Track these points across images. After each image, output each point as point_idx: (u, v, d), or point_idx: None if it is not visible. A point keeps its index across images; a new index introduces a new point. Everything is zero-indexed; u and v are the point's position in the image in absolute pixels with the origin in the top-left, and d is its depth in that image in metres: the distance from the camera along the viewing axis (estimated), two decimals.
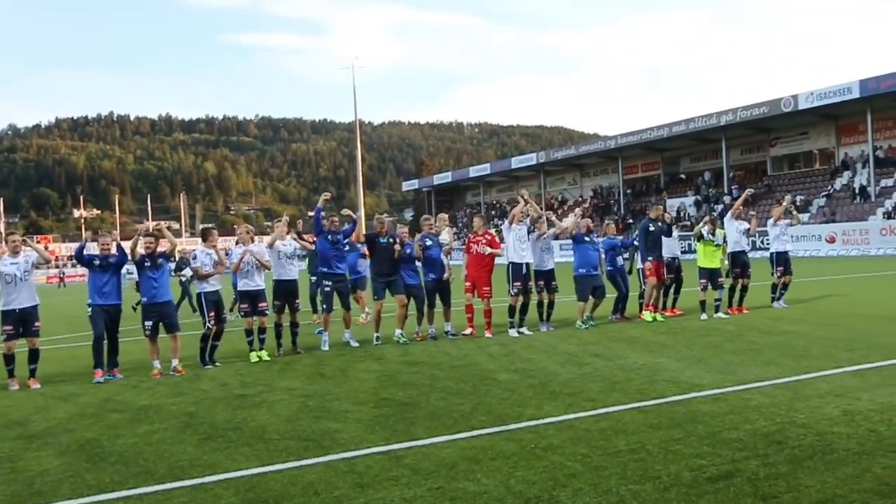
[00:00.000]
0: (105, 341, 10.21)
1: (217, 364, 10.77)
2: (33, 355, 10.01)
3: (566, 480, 4.81)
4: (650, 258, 13.59)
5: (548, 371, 8.88)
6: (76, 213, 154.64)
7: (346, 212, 12.88)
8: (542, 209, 15.92)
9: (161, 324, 10.36)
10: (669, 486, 4.61)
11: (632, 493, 4.51)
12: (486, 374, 8.88)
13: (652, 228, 13.73)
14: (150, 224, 12.48)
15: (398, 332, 12.24)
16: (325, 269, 12.02)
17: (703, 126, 49.28)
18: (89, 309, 10.38)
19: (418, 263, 12.61)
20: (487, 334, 12.36)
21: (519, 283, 12.32)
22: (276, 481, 5.15)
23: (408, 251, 12.39)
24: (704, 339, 10.90)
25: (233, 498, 4.84)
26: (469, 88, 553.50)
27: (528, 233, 12.70)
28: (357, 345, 11.90)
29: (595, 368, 8.89)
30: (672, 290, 14.43)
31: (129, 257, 10.50)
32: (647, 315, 13.40)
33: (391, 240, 12.26)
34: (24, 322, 9.98)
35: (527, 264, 12.52)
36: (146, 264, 10.39)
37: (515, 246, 12.46)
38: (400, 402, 7.55)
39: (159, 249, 10.59)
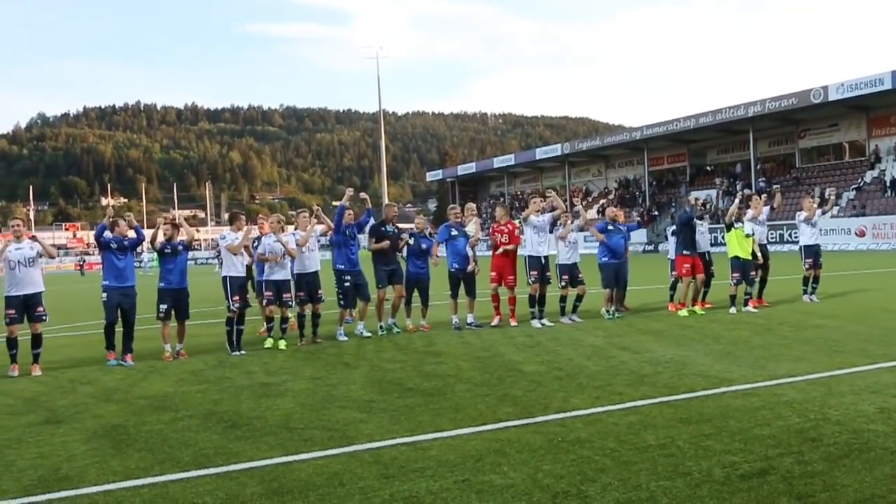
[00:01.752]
0: (121, 326, 10.44)
1: (244, 352, 10.82)
2: (36, 340, 10.07)
3: (595, 475, 4.73)
4: (686, 253, 13.30)
5: (574, 363, 8.78)
6: (104, 202, 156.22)
7: (362, 195, 12.96)
8: (574, 206, 15.81)
9: (174, 309, 10.62)
10: (701, 482, 4.51)
11: (662, 490, 4.41)
12: (512, 366, 8.80)
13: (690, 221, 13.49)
14: (175, 213, 12.54)
15: (391, 321, 12.41)
16: (342, 266, 11.98)
17: (730, 117, 48.70)
18: (104, 293, 10.43)
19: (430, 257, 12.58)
20: (512, 322, 12.33)
21: (536, 273, 12.29)
22: (300, 471, 5.11)
23: (423, 246, 12.46)
24: (733, 332, 10.73)
25: (257, 487, 4.80)
26: (493, 79, 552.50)
27: (552, 227, 12.70)
28: (369, 334, 11.89)
29: (622, 361, 8.78)
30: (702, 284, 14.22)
31: (151, 245, 10.73)
32: (682, 313, 13.07)
33: (397, 228, 12.38)
34: (27, 307, 10.04)
35: (545, 257, 12.50)
36: (166, 251, 10.62)
37: (532, 240, 12.46)
38: (425, 393, 7.49)
39: (179, 238, 10.82)
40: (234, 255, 11.00)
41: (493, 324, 12.41)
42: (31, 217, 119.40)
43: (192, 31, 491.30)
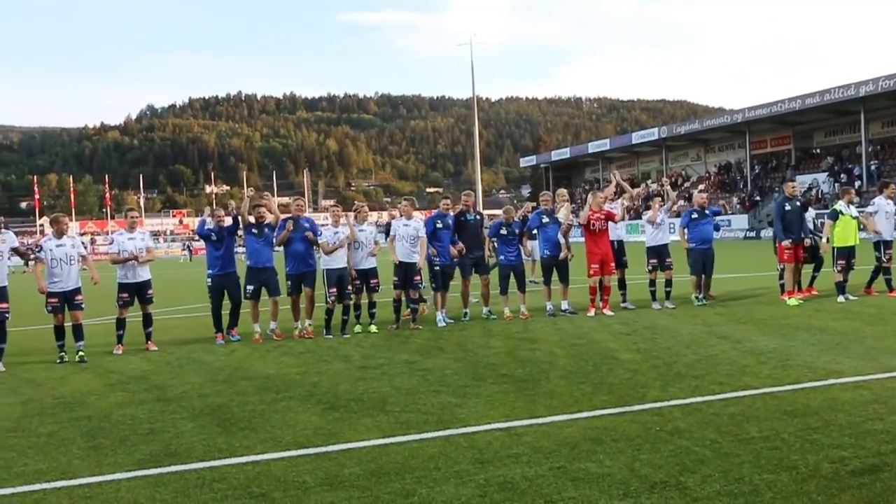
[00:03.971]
0: (226, 308, 11.10)
1: (347, 335, 11.16)
2: (147, 319, 10.88)
3: (694, 466, 4.62)
4: (787, 239, 12.83)
5: (672, 352, 8.59)
6: (207, 189, 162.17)
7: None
8: (663, 186, 15.56)
9: (263, 287, 11.10)
10: (808, 477, 4.34)
11: (766, 483, 4.27)
12: (608, 354, 8.68)
13: (788, 207, 12.98)
14: (274, 200, 12.84)
15: (485, 310, 12.46)
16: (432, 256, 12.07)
17: (839, 98, 46.33)
18: (208, 280, 11.23)
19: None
20: (609, 312, 12.15)
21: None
22: (397, 453, 5.19)
23: (517, 230, 12.46)
24: (842, 322, 10.27)
25: (355, 468, 4.90)
26: (588, 62, 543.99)
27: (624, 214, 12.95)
28: (444, 324, 11.85)
29: (722, 350, 8.53)
30: (812, 269, 13.69)
31: (241, 222, 11.20)
32: (791, 301, 12.58)
33: (478, 216, 12.38)
34: (138, 292, 10.73)
35: (617, 241, 12.84)
36: (253, 231, 11.08)
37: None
38: (519, 379, 7.48)
39: (268, 221, 11.26)
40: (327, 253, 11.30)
41: (589, 314, 12.20)
42: (141, 204, 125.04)
43: (289, 22, 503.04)
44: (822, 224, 14.43)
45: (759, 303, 12.77)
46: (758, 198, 52.36)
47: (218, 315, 11.24)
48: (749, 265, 21.13)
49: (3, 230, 9.92)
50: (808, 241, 13.01)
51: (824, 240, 13.31)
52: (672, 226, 13.38)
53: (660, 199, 13.81)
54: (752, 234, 47.82)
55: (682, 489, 4.25)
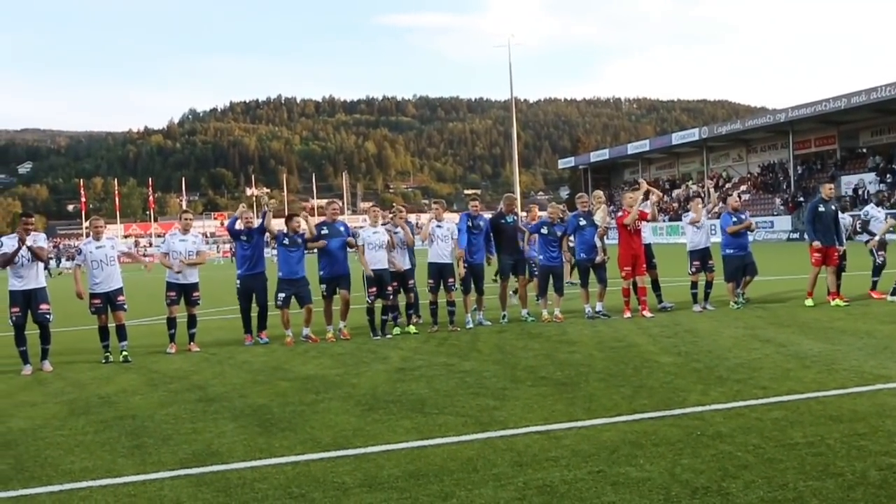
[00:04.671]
0: (254, 310, 11.25)
1: (388, 335, 11.27)
2: (191, 321, 11.00)
3: (737, 472, 4.55)
4: (819, 242, 12.59)
5: (713, 355, 8.47)
6: (248, 192, 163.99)
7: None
8: (702, 190, 15.38)
9: (294, 297, 11.21)
10: (854, 484, 4.24)
11: (811, 490, 4.18)
12: (647, 357, 8.60)
13: (822, 209, 12.74)
14: (314, 203, 12.96)
15: (524, 311, 12.39)
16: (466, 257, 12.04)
17: (887, 96, 45.25)
18: (237, 281, 11.33)
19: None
20: (647, 314, 12.04)
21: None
22: (435, 455, 5.20)
23: (559, 232, 12.39)
24: (889, 326, 10.03)
25: (394, 469, 4.92)
26: (627, 63, 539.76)
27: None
28: (471, 326, 11.86)
29: (765, 354, 8.40)
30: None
31: (268, 233, 11.38)
32: (807, 302, 12.46)
33: (516, 218, 12.38)
34: (185, 293, 10.89)
35: (646, 244, 12.79)
36: (285, 243, 11.13)
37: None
38: (558, 382, 7.44)
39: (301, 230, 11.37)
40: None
41: (625, 316, 12.10)
42: (184, 207, 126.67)
43: (328, 26, 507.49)
44: (860, 224, 14.20)
45: (802, 306, 12.53)
46: (801, 199, 51.40)
47: (247, 317, 11.35)
48: (792, 267, 20.77)
49: (34, 232, 10.05)
50: (840, 248, 12.77)
51: (876, 239, 13.11)
52: (713, 227, 13.19)
53: (700, 199, 13.64)
54: (796, 235, 46.98)
55: (724, 495, 4.19)
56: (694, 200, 13.58)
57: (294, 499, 4.48)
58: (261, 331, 11.33)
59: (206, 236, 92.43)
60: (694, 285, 12.70)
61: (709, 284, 12.71)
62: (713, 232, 13.20)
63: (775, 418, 5.69)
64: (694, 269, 12.68)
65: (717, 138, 63.41)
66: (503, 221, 12.32)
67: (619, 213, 12.79)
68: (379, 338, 11.14)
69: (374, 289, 11.29)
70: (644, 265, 12.38)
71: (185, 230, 11.09)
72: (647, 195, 12.63)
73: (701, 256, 12.70)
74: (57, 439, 6.12)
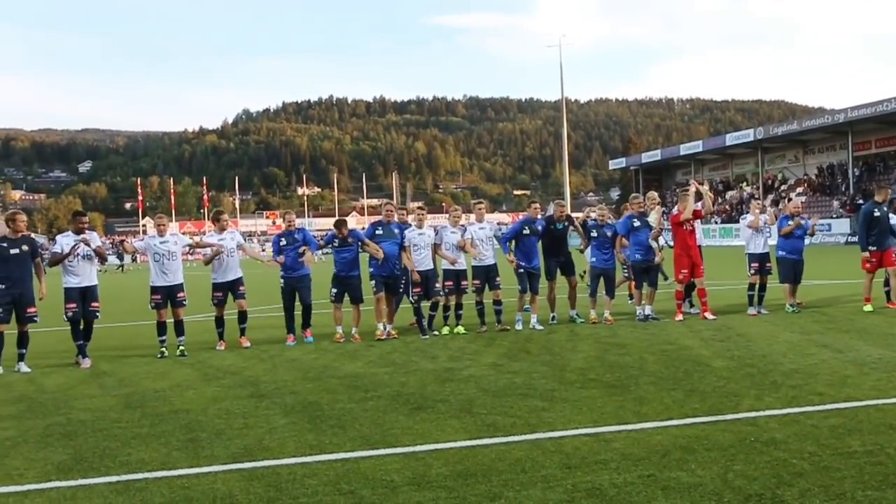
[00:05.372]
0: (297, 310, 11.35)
1: (436, 333, 11.45)
2: (242, 316, 11.19)
3: (791, 479, 4.45)
4: (871, 247, 12.28)
5: (767, 360, 8.31)
6: (300, 191, 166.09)
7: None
8: (756, 191, 15.04)
9: (347, 294, 11.33)
10: None
11: (870, 501, 4.07)
12: (699, 360, 8.46)
13: (877, 213, 12.40)
14: (364, 202, 13.08)
15: (572, 312, 12.33)
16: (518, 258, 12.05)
17: None
18: (281, 281, 11.41)
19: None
20: (709, 316, 11.85)
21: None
22: (483, 455, 5.19)
23: (608, 234, 12.36)
24: None
25: (442, 468, 4.93)
26: (680, 62, 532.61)
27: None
28: (521, 327, 11.79)
29: (821, 360, 8.20)
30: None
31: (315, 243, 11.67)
32: (866, 308, 12.16)
33: (567, 224, 12.38)
34: (232, 289, 11.10)
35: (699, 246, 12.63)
36: (335, 245, 11.32)
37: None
38: (608, 384, 7.37)
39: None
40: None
41: (678, 318, 11.93)
42: (237, 206, 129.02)
43: (378, 27, 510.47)
44: None
45: (861, 310, 12.20)
46: (860, 201, 50.04)
47: (290, 315, 11.40)
48: (850, 271, 20.19)
49: (87, 231, 10.33)
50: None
51: None
52: (770, 230, 12.88)
53: (758, 202, 13.35)
54: (854, 239, 45.77)
55: (778, 502, 4.11)
56: (752, 203, 13.35)
57: (343, 495, 4.52)
58: (305, 328, 11.43)
59: (258, 235, 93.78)
60: (751, 287, 12.50)
61: (762, 287, 12.51)
62: (769, 233, 12.88)
63: (832, 426, 5.55)
64: (753, 271, 12.51)
65: (772, 139, 62.06)
66: (553, 227, 12.27)
67: (674, 211, 12.59)
68: (427, 337, 11.19)
69: (419, 289, 11.37)
70: (701, 266, 12.20)
71: (222, 230, 11.29)
72: (699, 196, 12.43)
73: (759, 259, 12.54)
74: (114, 431, 6.28)
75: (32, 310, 9.79)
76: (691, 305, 12.86)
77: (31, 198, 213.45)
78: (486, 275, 11.86)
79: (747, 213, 12.95)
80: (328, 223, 13.24)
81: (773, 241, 12.85)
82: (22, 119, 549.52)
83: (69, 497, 4.70)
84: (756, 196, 41.84)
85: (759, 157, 64.66)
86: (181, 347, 10.42)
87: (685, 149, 73.42)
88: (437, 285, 11.69)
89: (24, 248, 9.77)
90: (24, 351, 9.73)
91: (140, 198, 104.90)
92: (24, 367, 9.59)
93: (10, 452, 5.75)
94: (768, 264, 12.61)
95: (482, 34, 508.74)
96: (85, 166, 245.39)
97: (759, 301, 12.47)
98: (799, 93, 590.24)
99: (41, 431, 6.37)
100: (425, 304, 11.62)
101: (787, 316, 11.99)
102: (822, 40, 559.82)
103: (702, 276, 12.20)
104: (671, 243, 12.73)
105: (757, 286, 12.47)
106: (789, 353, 8.67)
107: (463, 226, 12.17)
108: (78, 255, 10.00)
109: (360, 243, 11.35)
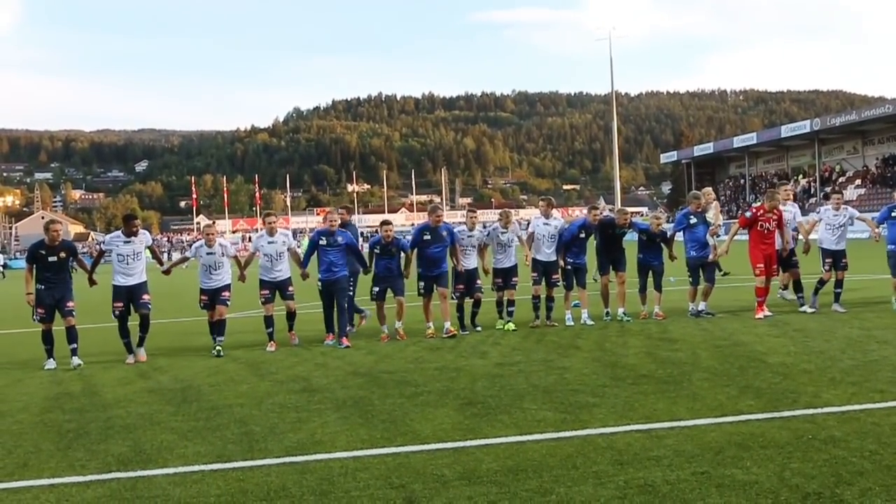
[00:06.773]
0: (335, 310, 11.10)
1: (478, 328, 11.45)
2: (290, 315, 11.31)
3: (851, 478, 4.34)
4: None
5: (826, 356, 8.12)
6: (349, 188, 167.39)
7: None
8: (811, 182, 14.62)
9: (389, 289, 11.28)
10: None
11: None
12: (754, 356, 8.31)
13: None
14: (412, 199, 13.13)
15: (620, 310, 12.09)
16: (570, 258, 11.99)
17: None
18: (319, 283, 11.20)
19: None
20: (760, 315, 11.55)
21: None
22: (534, 451, 5.18)
23: (658, 240, 12.32)
24: None
25: (493, 464, 4.93)
26: (733, 53, 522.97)
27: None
28: (571, 323, 11.72)
29: (883, 356, 7.98)
30: None
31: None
32: None
33: (626, 230, 12.25)
34: (279, 289, 11.19)
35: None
36: (377, 252, 11.29)
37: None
38: (660, 380, 7.28)
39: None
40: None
41: (757, 316, 11.58)
42: (288, 203, 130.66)
43: (427, 24, 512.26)
44: None
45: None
46: None
47: (329, 314, 11.17)
48: None
49: (140, 230, 10.60)
50: None
51: None
52: (852, 221, 12.37)
53: (838, 196, 12.78)
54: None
55: (837, 502, 4.01)
56: (833, 196, 12.71)
57: (394, 489, 4.55)
58: (342, 336, 10.89)
59: (308, 232, 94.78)
60: (821, 283, 12.16)
61: (839, 283, 12.06)
62: (851, 223, 12.35)
63: (894, 423, 5.40)
64: (827, 267, 12.14)
65: (830, 130, 60.55)
66: (612, 231, 12.16)
67: (749, 213, 12.17)
68: (467, 332, 11.22)
69: (462, 286, 11.42)
70: (775, 265, 11.87)
71: (272, 233, 11.32)
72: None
73: (833, 255, 12.09)
74: (172, 424, 6.42)
75: (71, 304, 10.09)
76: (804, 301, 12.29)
77: (90, 197, 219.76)
78: (546, 271, 11.84)
79: (823, 205, 12.34)
80: (377, 219, 13.30)
81: (859, 234, 12.30)
82: (82, 121, 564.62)
83: (129, 488, 4.82)
84: (837, 189, 40.54)
85: (815, 148, 63.16)
86: (217, 348, 10.45)
87: (739, 141, 72.09)
88: (479, 282, 11.67)
89: (62, 254, 10.10)
90: (75, 346, 10.01)
91: (194, 196, 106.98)
92: (76, 361, 9.89)
93: (72, 444, 5.92)
94: (844, 259, 12.09)
95: (530, 29, 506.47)
96: (141, 166, 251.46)
97: (835, 298, 12.07)
98: (857, 82, 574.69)
99: (102, 424, 6.54)
100: (468, 302, 11.64)
101: (849, 312, 11.64)
102: (883, 29, 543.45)
103: (774, 276, 11.90)
104: (723, 238, 12.47)
105: (832, 283, 12.04)
106: (848, 349, 8.46)
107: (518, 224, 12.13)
108: (129, 256, 10.32)
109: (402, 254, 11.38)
